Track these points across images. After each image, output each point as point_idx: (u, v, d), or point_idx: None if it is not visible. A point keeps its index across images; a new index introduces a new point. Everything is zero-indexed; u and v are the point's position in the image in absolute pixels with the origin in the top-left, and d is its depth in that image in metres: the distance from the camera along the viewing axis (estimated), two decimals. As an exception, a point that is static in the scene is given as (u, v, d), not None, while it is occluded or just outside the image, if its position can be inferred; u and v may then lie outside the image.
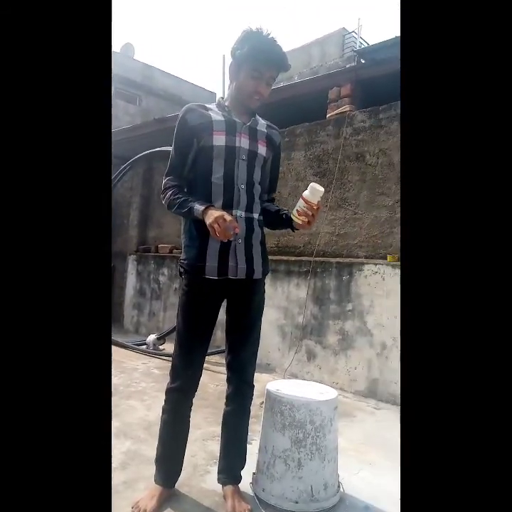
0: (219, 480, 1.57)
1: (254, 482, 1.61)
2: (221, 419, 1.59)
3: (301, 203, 1.33)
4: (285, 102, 3.96)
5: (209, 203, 1.35)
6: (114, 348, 3.99)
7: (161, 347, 4.04)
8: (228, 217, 1.25)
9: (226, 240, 1.30)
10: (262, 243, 1.51)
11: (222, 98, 1.51)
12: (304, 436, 1.49)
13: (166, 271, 4.67)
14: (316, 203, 1.32)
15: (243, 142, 1.43)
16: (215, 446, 1.90)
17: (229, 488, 1.53)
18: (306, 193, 1.33)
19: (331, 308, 3.17)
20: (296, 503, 1.47)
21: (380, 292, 2.91)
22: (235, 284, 1.44)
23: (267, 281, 1.59)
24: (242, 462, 1.59)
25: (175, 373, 1.49)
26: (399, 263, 2.85)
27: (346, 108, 3.44)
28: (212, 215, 1.27)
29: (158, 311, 4.68)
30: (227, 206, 1.40)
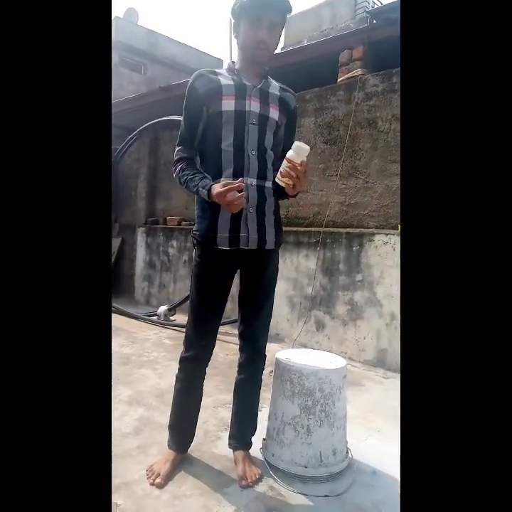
0: (230, 445, 1.61)
1: (264, 448, 1.64)
2: (231, 387, 1.62)
3: (284, 164, 1.24)
4: (294, 67, 3.82)
5: (211, 182, 1.31)
6: (126, 319, 4.06)
7: (171, 318, 4.10)
8: (230, 185, 1.22)
9: (241, 208, 1.25)
10: (276, 213, 1.46)
11: (233, 62, 1.45)
12: (313, 403, 1.51)
13: (174, 243, 4.67)
14: (298, 162, 1.22)
15: (253, 106, 1.37)
16: (226, 413, 1.94)
17: (239, 453, 1.56)
18: (289, 152, 1.23)
19: (340, 279, 3.16)
20: (305, 467, 1.51)
21: (391, 263, 2.88)
22: (247, 254, 1.41)
23: (276, 251, 1.56)
24: (252, 429, 1.62)
25: (188, 343, 1.50)
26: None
27: (358, 72, 3.31)
28: (215, 191, 1.24)
29: (168, 283, 4.72)
30: (238, 174, 1.35)
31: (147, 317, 4.08)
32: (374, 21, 4.56)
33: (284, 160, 1.24)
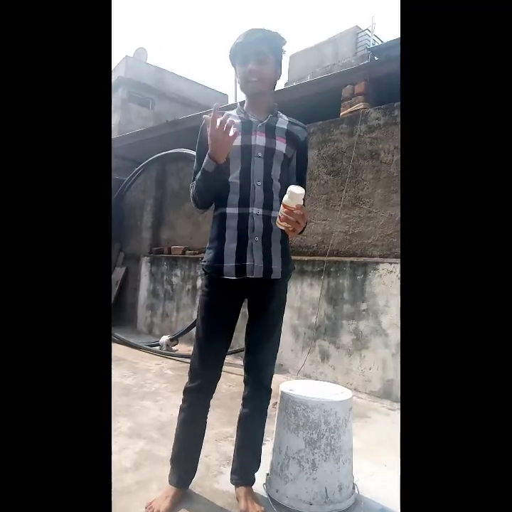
0: (232, 481, 1.56)
1: (268, 483, 1.59)
2: (234, 420, 1.58)
3: (281, 209, 1.27)
4: (298, 102, 3.93)
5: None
6: (127, 349, 4.02)
7: (174, 348, 4.05)
8: (209, 122, 1.26)
9: (231, 130, 1.26)
10: (283, 242, 1.46)
11: (242, 103, 1.52)
12: (318, 437, 1.47)
13: (178, 272, 4.68)
14: (294, 206, 1.24)
15: (259, 140, 1.42)
16: (228, 447, 1.88)
17: (242, 489, 1.51)
18: (284, 198, 1.27)
19: (344, 308, 3.13)
20: (310, 504, 1.45)
21: (395, 291, 2.86)
22: (254, 283, 1.41)
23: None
24: (256, 464, 1.57)
25: (193, 373, 1.48)
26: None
27: (360, 106, 3.40)
28: (209, 146, 1.29)
29: (171, 312, 4.69)
30: (243, 204, 1.38)
31: (149, 347, 4.04)
32: (375, 58, 4.73)
33: (281, 205, 1.27)
